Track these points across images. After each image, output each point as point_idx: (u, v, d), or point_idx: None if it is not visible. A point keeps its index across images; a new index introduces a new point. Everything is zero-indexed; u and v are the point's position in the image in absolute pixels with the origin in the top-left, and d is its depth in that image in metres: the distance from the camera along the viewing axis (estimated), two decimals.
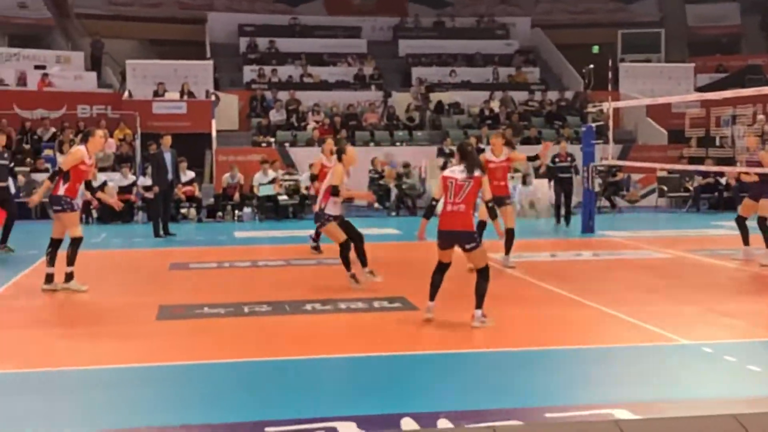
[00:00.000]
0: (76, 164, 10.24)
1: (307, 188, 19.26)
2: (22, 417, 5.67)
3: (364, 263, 10.54)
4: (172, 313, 8.98)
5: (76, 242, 10.27)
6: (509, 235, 11.68)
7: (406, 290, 9.93)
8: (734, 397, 5.90)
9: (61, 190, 10.20)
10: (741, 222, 12.34)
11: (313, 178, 14.99)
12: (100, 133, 10.59)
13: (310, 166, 16.14)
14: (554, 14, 34.23)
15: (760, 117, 18.58)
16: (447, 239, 8.19)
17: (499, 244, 11.46)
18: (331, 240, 10.73)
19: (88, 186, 11.03)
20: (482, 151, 22.36)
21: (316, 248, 13.78)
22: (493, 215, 8.80)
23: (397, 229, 17.63)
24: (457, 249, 8.28)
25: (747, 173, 12.39)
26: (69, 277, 10.29)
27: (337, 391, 6.21)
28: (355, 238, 10.44)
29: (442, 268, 8.38)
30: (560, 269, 12.33)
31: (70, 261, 10.27)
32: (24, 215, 14.82)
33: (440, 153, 22.48)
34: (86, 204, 19.35)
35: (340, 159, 10.45)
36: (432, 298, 8.36)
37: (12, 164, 14.77)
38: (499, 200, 11.37)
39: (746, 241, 12.37)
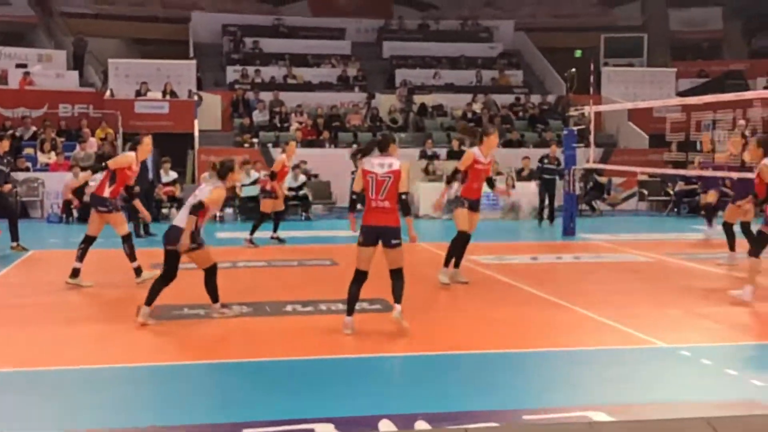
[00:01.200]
0: (123, 167, 10.41)
1: (257, 181, 19.48)
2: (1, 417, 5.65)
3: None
4: (151, 314, 8.92)
5: (127, 239, 10.70)
6: (465, 240, 10.73)
7: (386, 292, 9.89)
8: (709, 401, 5.94)
9: (107, 192, 10.40)
10: (727, 228, 12.40)
11: (273, 176, 15.17)
12: (147, 140, 10.77)
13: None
14: (538, 17, 34.36)
15: (741, 122, 18.66)
16: (372, 234, 7.84)
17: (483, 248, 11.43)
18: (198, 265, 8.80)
19: (129, 190, 10.98)
20: (462, 153, 22.53)
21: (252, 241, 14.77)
22: (407, 211, 8.11)
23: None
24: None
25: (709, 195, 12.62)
26: (138, 271, 10.73)
27: (315, 393, 6.20)
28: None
29: (360, 278, 7.97)
30: (541, 272, 12.36)
31: (132, 257, 10.73)
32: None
33: (423, 155, 22.51)
34: (66, 204, 19.27)
35: (223, 178, 8.49)
36: (350, 312, 7.99)
37: (9, 170, 14.81)
38: (476, 204, 10.73)
39: (732, 247, 12.43)
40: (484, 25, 32.80)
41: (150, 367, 6.95)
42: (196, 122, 23.49)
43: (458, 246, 10.72)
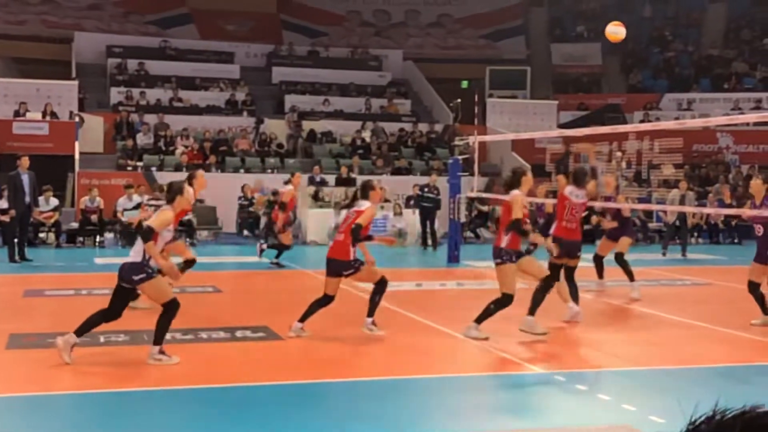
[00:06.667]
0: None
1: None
2: None
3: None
4: (23, 342, 8.63)
5: (191, 263, 10.90)
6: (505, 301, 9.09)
7: (270, 320, 9.85)
8: (583, 426, 6.09)
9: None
10: (598, 260, 12.75)
11: (282, 207, 15.41)
12: (201, 173, 11.05)
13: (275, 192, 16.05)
14: (425, 48, 34.95)
15: (617, 154, 19.34)
16: (327, 266, 9.01)
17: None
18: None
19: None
20: (353, 180, 22.70)
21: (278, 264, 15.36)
22: (355, 238, 8.87)
23: (265, 257, 17.46)
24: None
25: (606, 220, 12.80)
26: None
27: (196, 424, 6.07)
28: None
29: (321, 301, 8.97)
30: (425, 298, 12.49)
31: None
32: None
33: (311, 181, 22.48)
34: None
35: (172, 201, 8.13)
36: (301, 319, 8.91)
37: None
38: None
39: (601, 276, 12.81)
40: (373, 53, 33.13)
41: (18, 397, 6.68)
42: (77, 144, 22.82)
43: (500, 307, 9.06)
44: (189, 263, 11.04)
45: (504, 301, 8.86)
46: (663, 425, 5.88)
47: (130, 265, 7.78)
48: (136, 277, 7.72)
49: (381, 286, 9.13)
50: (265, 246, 15.75)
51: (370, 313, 9.18)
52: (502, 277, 8.95)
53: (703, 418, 1.30)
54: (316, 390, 7.10)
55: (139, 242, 7.85)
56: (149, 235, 7.69)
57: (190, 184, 10.56)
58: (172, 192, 8.17)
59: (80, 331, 7.77)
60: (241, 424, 6.02)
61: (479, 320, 9.01)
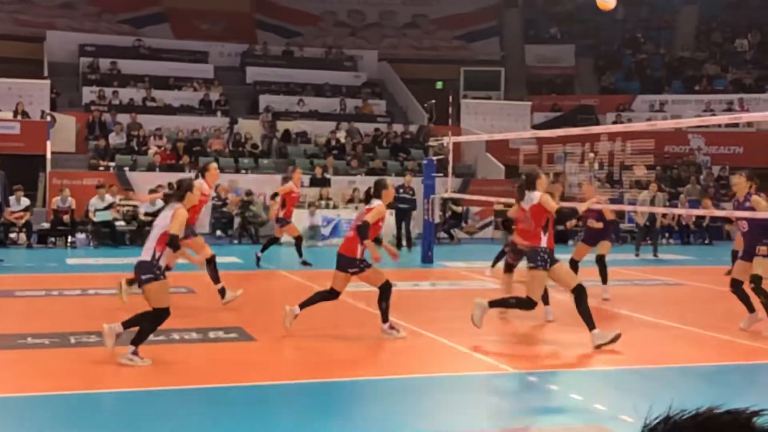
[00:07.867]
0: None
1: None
2: None
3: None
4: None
5: (211, 261, 11.06)
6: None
7: (243, 320, 9.82)
8: (555, 426, 6.13)
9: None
10: (573, 264, 12.77)
11: (274, 197, 15.60)
12: (213, 166, 11.34)
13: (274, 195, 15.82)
14: (400, 49, 34.97)
15: (590, 155, 19.47)
16: (336, 260, 9.13)
17: None
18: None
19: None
20: (328, 180, 22.73)
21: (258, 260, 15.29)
22: (363, 236, 8.90)
23: (239, 257, 17.41)
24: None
25: (592, 220, 12.79)
26: (223, 292, 10.99)
27: (168, 424, 6.04)
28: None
29: (325, 294, 9.18)
30: (398, 299, 12.41)
31: (216, 279, 11.09)
32: None
33: (285, 181, 22.38)
34: None
35: (182, 199, 8.04)
36: (301, 304, 9.03)
37: None
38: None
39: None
40: (348, 54, 33.10)
41: None
42: (48, 144, 22.61)
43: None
44: (212, 265, 11.08)
45: (527, 303, 8.86)
46: (634, 425, 5.92)
47: (140, 263, 7.83)
48: (143, 277, 7.74)
49: (385, 292, 9.13)
50: (304, 259, 15.48)
51: (384, 319, 9.16)
52: (532, 281, 8.93)
53: (659, 420, 1.31)
54: (287, 391, 7.09)
55: (149, 241, 7.90)
56: (176, 242, 7.73)
57: (203, 177, 10.75)
58: (183, 189, 8.12)
59: (126, 325, 7.87)
60: (212, 425, 6.00)
61: (493, 305, 9.09)
